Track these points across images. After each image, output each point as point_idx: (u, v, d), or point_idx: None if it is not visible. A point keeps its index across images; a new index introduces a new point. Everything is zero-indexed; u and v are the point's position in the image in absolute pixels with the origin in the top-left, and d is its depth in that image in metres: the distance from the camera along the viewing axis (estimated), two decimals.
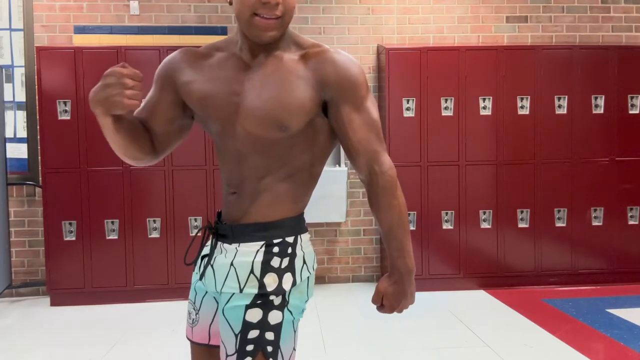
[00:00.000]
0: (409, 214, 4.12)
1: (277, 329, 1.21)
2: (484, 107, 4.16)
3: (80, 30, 4.23)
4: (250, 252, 1.24)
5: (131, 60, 3.93)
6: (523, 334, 3.23)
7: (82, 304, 3.96)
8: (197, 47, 1.36)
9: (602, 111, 4.22)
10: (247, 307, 1.21)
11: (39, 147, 4.05)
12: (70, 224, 3.95)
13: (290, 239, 1.26)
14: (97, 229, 3.96)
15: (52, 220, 3.93)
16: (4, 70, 4.14)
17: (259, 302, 1.21)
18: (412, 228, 4.14)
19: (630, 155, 4.24)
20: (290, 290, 1.23)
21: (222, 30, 4.30)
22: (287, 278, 1.23)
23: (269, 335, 1.20)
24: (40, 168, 4.03)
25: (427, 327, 3.36)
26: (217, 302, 1.31)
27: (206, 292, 1.34)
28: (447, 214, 4.17)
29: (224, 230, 1.29)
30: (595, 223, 4.24)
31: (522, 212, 4.20)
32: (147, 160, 1.35)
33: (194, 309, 1.37)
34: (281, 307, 1.22)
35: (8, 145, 4.15)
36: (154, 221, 4.01)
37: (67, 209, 3.94)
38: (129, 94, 1.18)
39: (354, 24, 4.43)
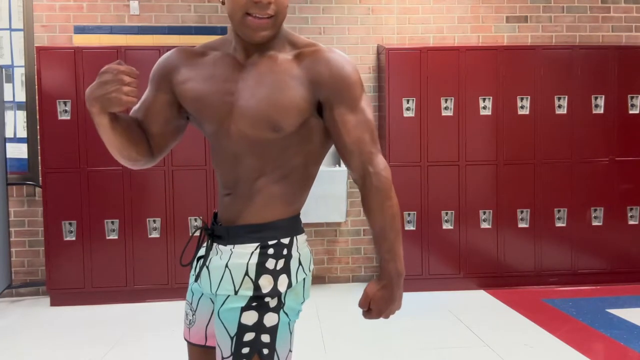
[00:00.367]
0: (409, 214, 4.12)
1: (273, 331, 1.20)
2: (484, 107, 4.16)
3: (80, 30, 4.23)
4: (245, 254, 1.23)
5: (131, 60, 3.93)
6: (523, 334, 3.23)
7: (82, 304, 3.96)
8: (192, 46, 1.36)
9: (602, 111, 4.22)
10: (243, 309, 1.20)
11: (39, 147, 4.05)
12: (70, 224, 3.95)
13: (285, 240, 1.24)
14: (97, 229, 3.96)
15: (52, 220, 3.93)
16: (4, 70, 4.14)
17: (254, 304, 1.20)
18: (412, 228, 4.14)
19: (630, 155, 4.24)
20: (285, 292, 1.22)
21: (222, 30, 4.30)
22: (283, 280, 1.22)
23: (265, 338, 1.20)
24: (40, 168, 4.03)
25: (427, 327, 3.36)
26: (213, 304, 1.30)
27: (202, 293, 1.33)
28: (447, 214, 4.17)
29: (219, 231, 1.28)
30: (595, 223, 4.24)
31: (522, 212, 4.20)
32: (144, 162, 1.34)
33: (190, 309, 1.36)
34: (277, 309, 1.21)
35: (8, 145, 4.15)
36: (154, 221, 4.01)
37: (67, 209, 3.94)
38: (126, 90, 1.18)
39: (354, 24, 4.43)
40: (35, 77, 4.05)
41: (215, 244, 1.29)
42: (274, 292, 1.21)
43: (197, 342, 1.36)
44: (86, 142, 3.93)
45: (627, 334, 3.17)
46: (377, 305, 1.29)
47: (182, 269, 4.00)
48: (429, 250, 4.16)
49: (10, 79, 4.20)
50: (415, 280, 4.14)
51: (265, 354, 1.20)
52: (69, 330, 3.46)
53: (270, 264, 1.22)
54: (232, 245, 1.25)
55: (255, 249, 1.23)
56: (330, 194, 4.11)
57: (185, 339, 1.40)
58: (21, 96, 4.22)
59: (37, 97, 4.02)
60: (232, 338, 1.20)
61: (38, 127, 4.03)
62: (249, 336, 1.19)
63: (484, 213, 4.18)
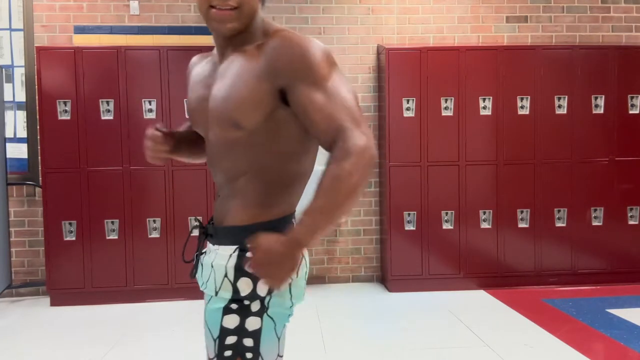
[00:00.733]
0: (409, 214, 4.12)
1: (256, 335, 1.17)
2: (484, 107, 4.16)
3: (80, 30, 4.23)
4: (225, 256, 1.21)
5: (131, 60, 3.94)
6: (523, 334, 3.23)
7: (82, 304, 3.96)
8: (212, 47, 1.35)
9: (602, 111, 4.22)
10: (224, 312, 1.18)
11: (39, 147, 4.05)
12: (70, 224, 3.95)
13: None
14: (97, 229, 3.96)
15: (52, 220, 3.93)
16: (4, 70, 4.14)
17: (235, 307, 1.18)
18: (412, 228, 4.14)
19: (630, 155, 4.24)
20: (270, 296, 1.18)
21: None
22: (263, 283, 1.14)
23: (248, 342, 1.17)
24: (40, 168, 4.03)
25: (427, 327, 3.36)
26: None
27: None
28: (447, 214, 4.17)
29: (210, 230, 1.28)
30: (595, 223, 4.24)
31: (522, 212, 4.20)
32: None
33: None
34: (260, 313, 1.18)
35: (8, 145, 4.16)
36: (154, 221, 4.01)
37: (67, 209, 3.94)
38: (149, 154, 1.45)
39: (354, 24, 4.43)
40: (35, 77, 4.05)
41: (208, 242, 1.30)
42: (254, 296, 1.17)
43: None
44: (86, 142, 3.93)
45: (627, 334, 3.17)
46: (261, 254, 1.05)
47: (182, 269, 4.00)
48: (429, 250, 4.16)
49: (10, 79, 4.20)
50: (415, 280, 4.14)
51: (249, 358, 1.17)
52: (69, 330, 3.46)
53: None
54: (218, 246, 1.24)
55: (234, 251, 1.20)
56: None
57: None
58: (21, 96, 4.22)
59: (37, 97, 4.02)
60: (214, 340, 1.19)
61: (38, 127, 4.03)
62: (231, 339, 1.17)
63: (484, 213, 4.18)
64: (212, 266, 1.23)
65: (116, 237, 3.98)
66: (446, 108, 4.14)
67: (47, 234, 3.93)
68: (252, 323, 1.17)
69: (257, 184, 1.21)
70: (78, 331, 3.43)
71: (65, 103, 3.93)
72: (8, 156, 4.14)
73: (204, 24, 4.31)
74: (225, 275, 1.19)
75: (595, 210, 4.24)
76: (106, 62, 3.94)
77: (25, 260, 4.25)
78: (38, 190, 4.19)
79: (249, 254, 1.13)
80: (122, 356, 2.99)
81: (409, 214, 4.14)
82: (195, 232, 1.39)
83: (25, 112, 4.22)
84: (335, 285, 4.43)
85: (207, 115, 1.23)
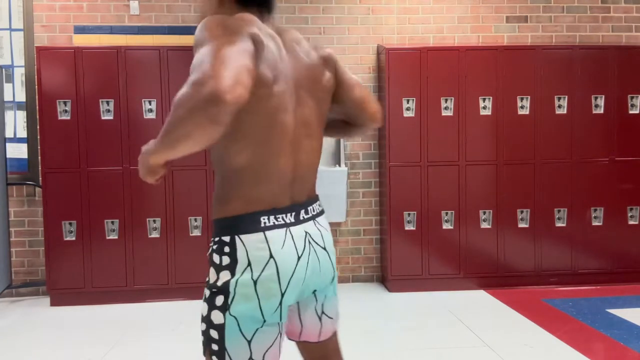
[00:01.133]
0: (409, 214, 4.13)
1: (220, 330, 1.18)
2: (484, 107, 4.16)
3: (80, 30, 4.23)
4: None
5: (131, 60, 3.93)
6: (523, 334, 3.23)
7: (82, 304, 3.96)
8: None
9: (602, 111, 4.22)
10: (203, 298, 1.23)
11: (39, 147, 4.05)
12: (70, 224, 3.95)
13: (226, 239, 1.20)
14: (97, 229, 3.96)
15: (52, 220, 3.93)
16: (4, 70, 4.14)
17: (206, 294, 1.21)
18: (412, 228, 4.14)
19: (630, 155, 4.24)
20: (233, 292, 1.17)
21: None
22: (224, 276, 1.19)
23: (214, 334, 1.19)
24: (40, 168, 4.03)
25: (427, 327, 3.36)
26: None
27: None
28: (447, 214, 4.17)
29: None
30: (595, 223, 4.24)
31: (522, 212, 4.20)
32: None
33: None
34: (222, 309, 1.18)
35: (8, 145, 4.16)
36: (154, 221, 4.01)
37: (67, 209, 3.94)
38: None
39: (354, 24, 4.43)
40: (35, 77, 4.05)
41: None
42: (214, 286, 1.20)
43: (292, 337, 1.41)
44: (86, 142, 3.93)
45: (627, 334, 3.17)
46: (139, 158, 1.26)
47: (182, 268, 4.00)
48: (429, 250, 4.16)
49: (10, 79, 4.20)
50: (415, 280, 4.14)
51: (215, 349, 1.19)
52: (69, 330, 3.46)
53: (215, 258, 1.21)
54: None
55: (211, 243, 1.26)
56: (330, 194, 4.11)
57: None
58: (21, 96, 4.22)
59: (37, 97, 4.02)
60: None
61: (38, 127, 4.03)
62: (202, 326, 1.22)
63: (484, 213, 4.18)
64: None
65: (116, 237, 3.98)
66: (446, 108, 4.14)
67: (47, 234, 3.93)
68: (216, 317, 1.19)
69: (217, 179, 1.26)
70: (78, 331, 3.43)
71: (65, 103, 3.93)
72: (8, 156, 4.14)
73: None
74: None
75: (595, 210, 4.24)
76: (106, 62, 3.94)
77: (25, 260, 4.25)
78: (38, 190, 4.19)
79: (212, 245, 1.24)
80: (122, 356, 2.99)
81: (409, 214, 4.14)
82: None
83: (25, 112, 4.22)
84: None
85: None
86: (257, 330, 1.18)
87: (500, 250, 4.19)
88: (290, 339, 1.40)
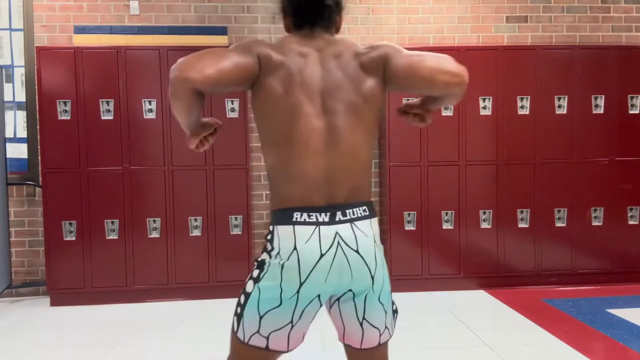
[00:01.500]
0: (409, 214, 4.13)
1: (246, 297, 1.37)
2: (484, 107, 4.16)
3: (80, 30, 4.23)
4: None
5: (131, 60, 3.93)
6: (523, 334, 3.23)
7: (82, 304, 3.96)
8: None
9: (602, 111, 4.22)
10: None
11: (39, 147, 4.05)
12: (70, 224, 3.95)
13: (271, 227, 1.41)
14: (97, 229, 3.96)
15: (52, 220, 3.93)
16: (4, 70, 4.14)
17: (253, 266, 1.42)
18: (412, 228, 4.14)
19: (630, 155, 4.24)
20: (265, 269, 1.36)
21: (222, 30, 4.30)
22: (265, 255, 1.39)
23: (242, 299, 1.39)
24: (40, 168, 4.03)
25: (427, 327, 3.36)
26: None
27: None
28: (447, 214, 4.17)
29: None
30: (595, 223, 4.24)
31: (522, 212, 4.20)
32: None
33: None
34: (255, 280, 1.37)
35: (8, 145, 4.15)
36: (154, 221, 4.01)
37: (67, 209, 3.94)
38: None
39: (354, 24, 4.43)
40: (35, 77, 4.05)
41: None
42: (256, 260, 1.41)
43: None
44: (86, 142, 3.93)
45: (627, 334, 3.17)
46: None
47: (182, 269, 4.00)
48: (429, 250, 4.16)
49: (10, 79, 4.20)
50: (415, 280, 4.14)
51: (237, 312, 1.39)
52: (69, 330, 3.46)
53: (265, 240, 1.42)
54: None
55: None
56: None
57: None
58: (21, 96, 4.22)
59: (37, 97, 4.02)
60: None
61: (38, 127, 4.03)
62: (241, 288, 1.41)
63: (484, 213, 4.18)
64: None
65: (116, 237, 3.98)
66: (446, 108, 4.13)
67: (47, 234, 3.93)
68: (249, 285, 1.38)
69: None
70: (78, 331, 3.43)
71: (65, 103, 3.93)
72: (8, 156, 4.14)
73: (204, 24, 4.32)
74: None
75: (595, 210, 4.24)
76: (106, 62, 3.94)
77: (25, 260, 4.25)
78: (38, 190, 4.19)
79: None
80: (122, 356, 2.99)
81: (409, 214, 4.14)
82: None
83: (25, 112, 4.22)
84: None
85: None
86: (270, 310, 1.34)
87: (500, 250, 4.19)
88: (339, 340, 1.53)
